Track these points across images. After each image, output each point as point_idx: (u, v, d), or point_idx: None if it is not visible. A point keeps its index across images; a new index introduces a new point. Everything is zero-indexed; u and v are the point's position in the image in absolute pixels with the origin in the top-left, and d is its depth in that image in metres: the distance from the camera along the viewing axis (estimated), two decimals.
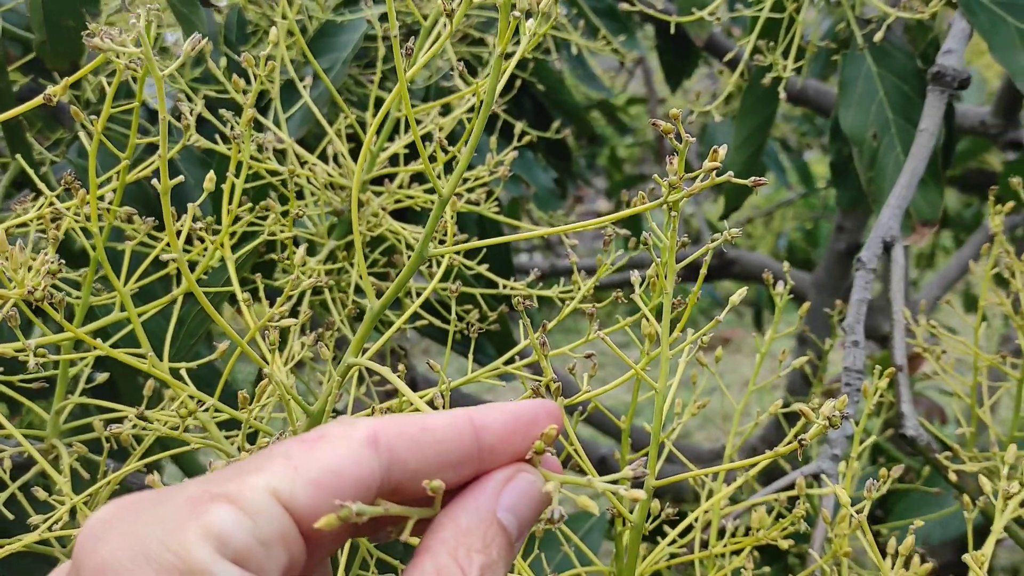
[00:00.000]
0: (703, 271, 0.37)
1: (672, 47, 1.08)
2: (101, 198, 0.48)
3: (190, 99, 0.64)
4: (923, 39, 0.80)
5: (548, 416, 0.30)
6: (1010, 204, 0.57)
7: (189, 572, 0.24)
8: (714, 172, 0.35)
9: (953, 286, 1.65)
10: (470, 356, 0.54)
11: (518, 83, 0.95)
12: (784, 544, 0.43)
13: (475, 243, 0.39)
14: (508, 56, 0.34)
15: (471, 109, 0.60)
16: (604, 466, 1.13)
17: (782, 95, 0.68)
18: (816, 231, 2.51)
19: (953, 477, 0.53)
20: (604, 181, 2.54)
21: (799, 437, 0.32)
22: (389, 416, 0.27)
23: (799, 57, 0.69)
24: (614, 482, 0.28)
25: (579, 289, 0.50)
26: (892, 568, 0.37)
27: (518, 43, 0.36)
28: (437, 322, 0.63)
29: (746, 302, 2.35)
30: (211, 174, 0.40)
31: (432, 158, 0.55)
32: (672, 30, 0.72)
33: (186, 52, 0.35)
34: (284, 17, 0.57)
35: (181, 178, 0.40)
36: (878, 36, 0.66)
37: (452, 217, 0.43)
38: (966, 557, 0.35)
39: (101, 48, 0.35)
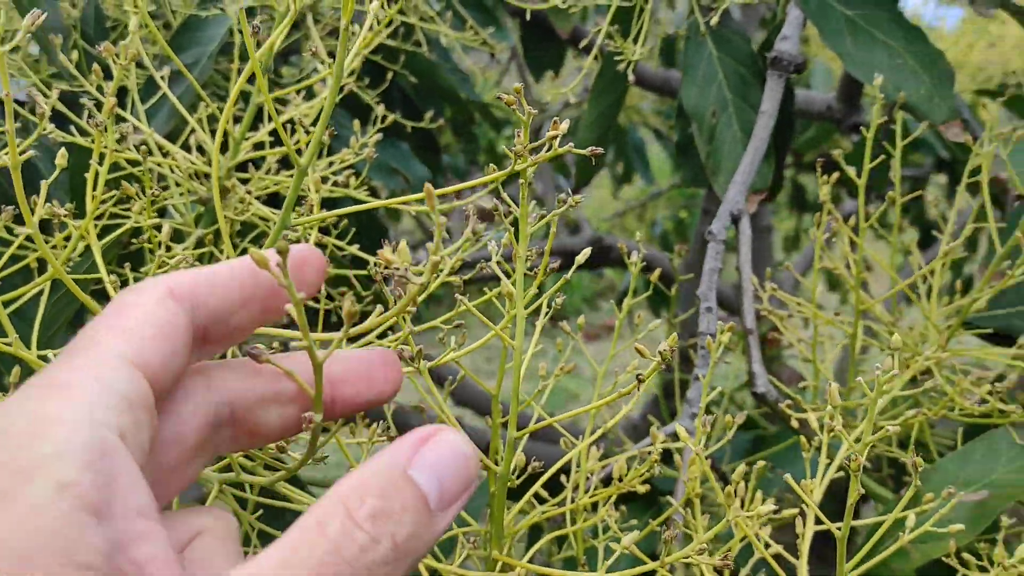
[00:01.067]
0: (552, 231, 0.40)
1: (534, 38, 1.11)
2: None
3: (45, 95, 0.63)
4: (770, 27, 0.86)
5: (313, 255, 0.31)
6: (835, 175, 0.63)
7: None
8: (556, 141, 0.38)
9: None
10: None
11: (389, 75, 0.96)
12: (642, 489, 0.47)
13: (338, 211, 0.41)
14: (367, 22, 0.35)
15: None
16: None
17: (631, 78, 0.72)
18: (691, 219, 2.61)
19: (795, 424, 0.58)
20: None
21: (638, 374, 0.35)
22: (182, 270, 0.30)
23: (649, 43, 0.74)
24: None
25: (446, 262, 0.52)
26: (738, 503, 0.41)
27: (380, 26, 0.38)
28: (311, 303, 0.63)
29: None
30: (63, 150, 0.40)
31: (299, 147, 0.56)
32: (528, 16, 0.75)
33: (25, 27, 0.35)
34: (136, 8, 0.57)
35: (32, 152, 0.40)
36: (714, 20, 0.71)
37: (317, 192, 0.45)
38: (787, 477, 0.39)
39: None
